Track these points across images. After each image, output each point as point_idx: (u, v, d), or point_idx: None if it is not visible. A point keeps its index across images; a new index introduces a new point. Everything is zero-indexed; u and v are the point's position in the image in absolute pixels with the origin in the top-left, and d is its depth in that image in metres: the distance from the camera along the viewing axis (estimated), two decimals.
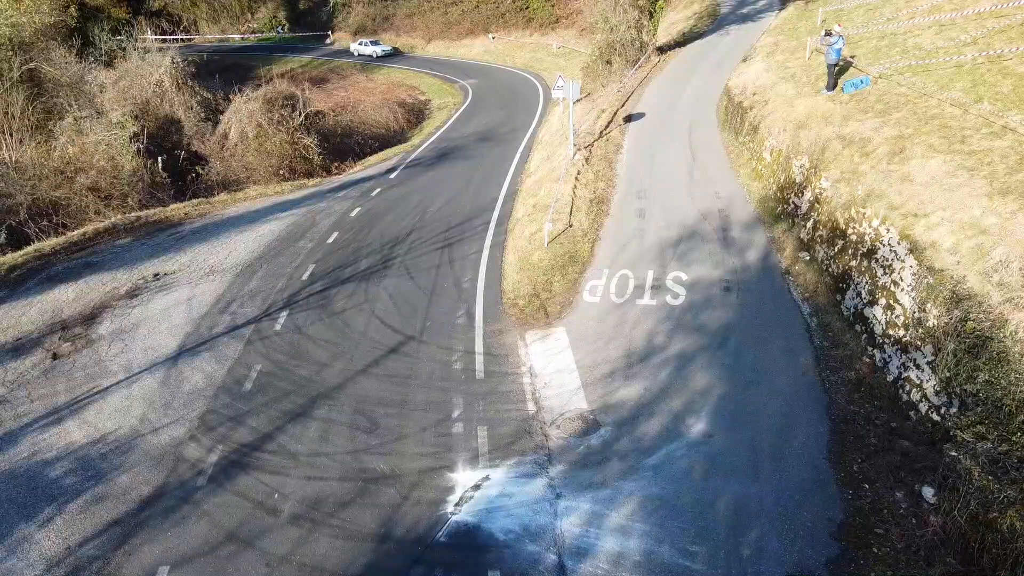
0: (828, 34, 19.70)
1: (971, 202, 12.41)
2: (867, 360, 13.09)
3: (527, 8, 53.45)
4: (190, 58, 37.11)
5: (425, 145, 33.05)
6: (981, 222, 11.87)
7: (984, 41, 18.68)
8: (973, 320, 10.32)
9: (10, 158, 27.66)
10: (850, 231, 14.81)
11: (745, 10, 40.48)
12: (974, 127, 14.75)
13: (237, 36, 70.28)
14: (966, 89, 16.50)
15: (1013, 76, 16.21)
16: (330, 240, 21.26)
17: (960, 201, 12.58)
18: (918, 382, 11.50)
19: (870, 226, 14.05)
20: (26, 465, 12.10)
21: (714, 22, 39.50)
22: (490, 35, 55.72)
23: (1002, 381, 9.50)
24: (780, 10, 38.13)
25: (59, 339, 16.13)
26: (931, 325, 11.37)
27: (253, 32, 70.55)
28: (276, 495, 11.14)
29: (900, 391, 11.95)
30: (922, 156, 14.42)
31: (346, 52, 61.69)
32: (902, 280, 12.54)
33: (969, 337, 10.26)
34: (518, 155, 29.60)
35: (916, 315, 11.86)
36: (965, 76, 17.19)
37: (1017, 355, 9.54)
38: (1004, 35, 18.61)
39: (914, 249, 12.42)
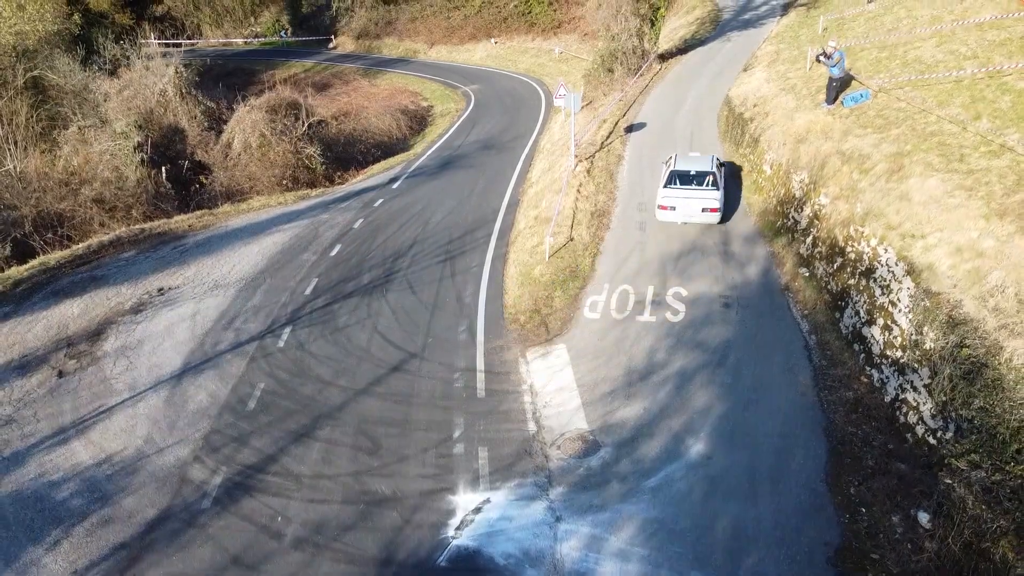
0: (825, 54, 19.65)
1: (968, 224, 12.48)
2: (865, 380, 13.18)
3: (529, 13, 53.51)
4: (193, 62, 37.29)
5: (428, 153, 33.17)
6: (978, 245, 11.94)
7: (984, 55, 18.71)
8: (969, 346, 10.41)
9: (15, 168, 27.86)
10: (849, 249, 14.90)
11: (747, 16, 40.46)
12: (972, 145, 14.81)
13: (240, 40, 70.49)
14: (965, 105, 16.54)
15: (1012, 92, 16.25)
16: (333, 253, 21.41)
17: (957, 222, 12.65)
18: (915, 404, 11.59)
19: (868, 245, 14.14)
20: (33, 486, 12.27)
21: (716, 28, 39.50)
22: (492, 40, 55.81)
23: (996, 409, 9.60)
24: (782, 16, 38.13)
25: (65, 356, 16.30)
26: (928, 348, 11.46)
27: (256, 36, 70.74)
28: (279, 518, 11.29)
29: (897, 412, 12.04)
30: (920, 175, 14.48)
31: (349, 57, 61.82)
32: (899, 301, 12.63)
33: (965, 363, 10.36)
34: (520, 164, 29.71)
35: (913, 337, 11.95)
36: (964, 91, 17.23)
37: (1012, 383, 9.62)
38: (1004, 48, 18.64)
39: (911, 271, 12.51)
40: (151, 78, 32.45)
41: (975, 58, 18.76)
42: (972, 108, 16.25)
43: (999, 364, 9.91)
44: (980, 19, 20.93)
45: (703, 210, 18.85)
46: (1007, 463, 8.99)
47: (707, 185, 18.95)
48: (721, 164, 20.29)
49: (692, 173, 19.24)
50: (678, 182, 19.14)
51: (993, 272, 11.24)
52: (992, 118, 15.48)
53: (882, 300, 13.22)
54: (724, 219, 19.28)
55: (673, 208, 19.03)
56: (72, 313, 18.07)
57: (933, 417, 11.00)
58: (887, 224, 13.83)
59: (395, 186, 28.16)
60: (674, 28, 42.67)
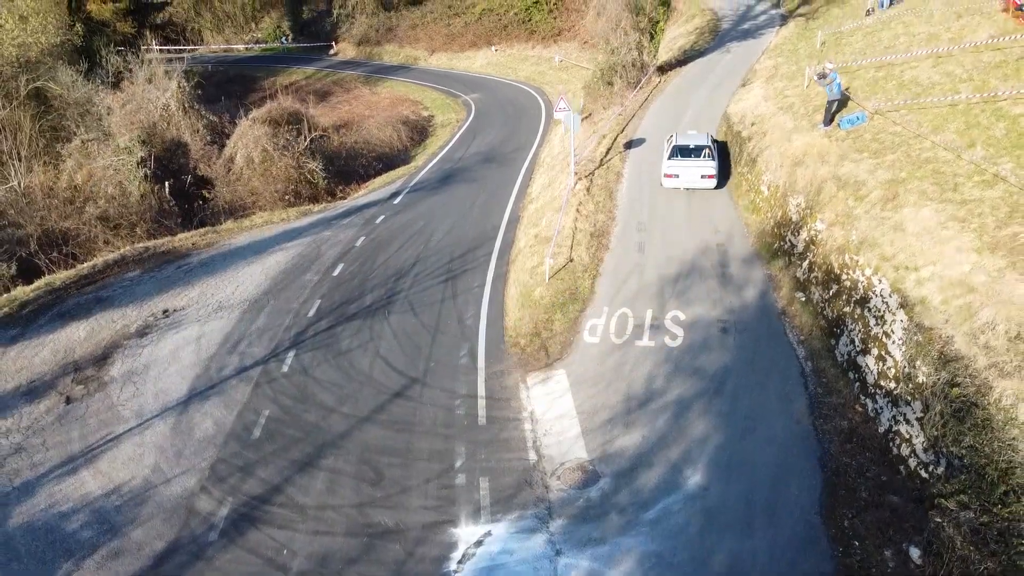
0: (823, 75, 19.94)
1: (961, 257, 12.70)
2: (859, 409, 13.40)
3: (529, 21, 53.71)
4: (194, 68, 37.47)
5: (429, 167, 33.39)
6: (969, 280, 12.16)
7: (979, 77, 18.88)
8: (959, 386, 10.63)
9: (20, 185, 28.13)
10: (844, 277, 15.12)
11: (746, 25, 40.63)
12: (966, 174, 15.01)
13: (242, 46, 70.73)
14: (960, 131, 16.74)
15: (1006, 119, 16.44)
16: (335, 273, 21.64)
17: (950, 256, 12.86)
18: (908, 436, 11.82)
19: (863, 274, 14.36)
20: (44, 517, 12.52)
21: (715, 38, 39.64)
22: (493, 47, 56.00)
23: (985, 449, 9.82)
24: (781, 26, 38.30)
25: (72, 381, 16.54)
26: (920, 382, 11.68)
27: (257, 42, 70.97)
28: (285, 551, 11.53)
29: (891, 444, 12.26)
30: (915, 204, 14.70)
31: (349, 64, 62.06)
32: (893, 333, 12.85)
33: (955, 402, 10.58)
34: (520, 177, 29.94)
35: (906, 370, 12.16)
36: (959, 116, 17.42)
37: (1000, 423, 9.85)
38: (999, 71, 18.82)
39: (905, 304, 12.72)
40: (154, 92, 32.68)
41: (970, 81, 18.94)
42: (967, 135, 16.45)
43: (988, 404, 10.13)
44: (976, 39, 21.09)
45: (702, 176, 22.19)
46: (995, 505, 9.22)
47: (704, 156, 22.26)
48: (715, 140, 23.55)
49: (691, 147, 22.61)
50: (680, 155, 22.41)
51: (984, 309, 11.45)
52: (986, 146, 15.69)
53: (876, 330, 13.44)
54: (718, 185, 22.56)
55: (677, 175, 22.31)
56: (78, 336, 18.31)
57: (925, 451, 11.22)
58: (881, 255, 14.05)
59: (396, 201, 28.39)
60: (673, 37, 42.83)
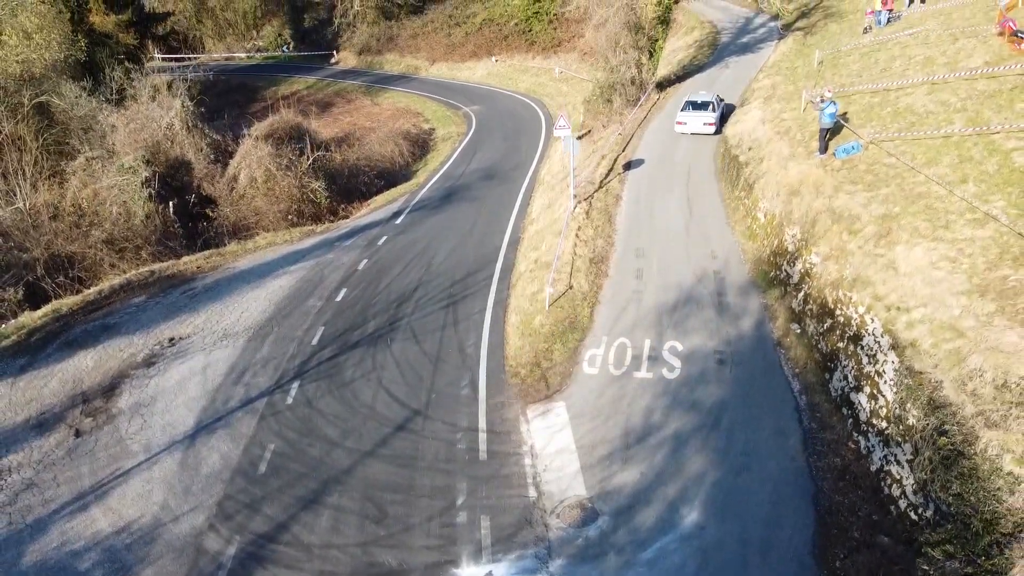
0: (821, 100, 20.28)
1: (951, 300, 12.96)
2: (852, 446, 13.69)
3: (529, 31, 53.99)
4: (196, 78, 37.69)
5: (430, 184, 33.68)
6: (959, 324, 12.43)
7: (973, 107, 19.13)
8: (947, 434, 10.91)
9: (25, 205, 28.42)
10: (838, 312, 15.41)
11: (745, 39, 40.92)
12: (958, 211, 15.27)
13: (243, 54, 71.04)
14: (953, 165, 17.00)
15: (999, 153, 16.70)
16: (339, 298, 21.94)
17: (941, 298, 13.13)
18: (898, 477, 12.11)
19: (856, 312, 14.64)
20: (56, 556, 12.84)
21: (713, 52, 39.95)
22: (493, 58, 56.28)
23: (971, 498, 10.11)
24: (779, 40, 38.62)
25: (81, 413, 16.86)
26: (911, 425, 11.97)
27: (259, 50, 71.30)
28: None
29: (882, 483, 12.55)
30: (907, 242, 14.96)
31: (351, 73, 62.37)
32: (885, 373, 13.14)
33: (943, 449, 10.87)
34: (520, 196, 30.24)
35: (897, 411, 12.45)
36: (953, 149, 17.68)
37: (986, 473, 10.13)
38: (993, 101, 19.07)
39: (896, 346, 13.01)
40: (157, 111, 32.99)
41: (964, 111, 19.19)
42: (959, 169, 16.70)
43: (975, 454, 10.41)
44: (972, 65, 21.34)
45: (704, 124, 28.75)
46: (979, 555, 9.51)
47: (708, 109, 28.96)
48: (721, 99, 30.23)
49: (699, 102, 29.49)
50: (691, 108, 29.31)
51: (972, 355, 11.72)
52: (978, 182, 15.95)
53: (869, 369, 13.73)
54: (716, 131, 28.65)
55: (685, 123, 29.06)
56: (86, 366, 18.63)
57: (915, 493, 11.51)
58: (874, 294, 14.33)
59: (398, 221, 28.69)
60: (673, 51, 43.11)
